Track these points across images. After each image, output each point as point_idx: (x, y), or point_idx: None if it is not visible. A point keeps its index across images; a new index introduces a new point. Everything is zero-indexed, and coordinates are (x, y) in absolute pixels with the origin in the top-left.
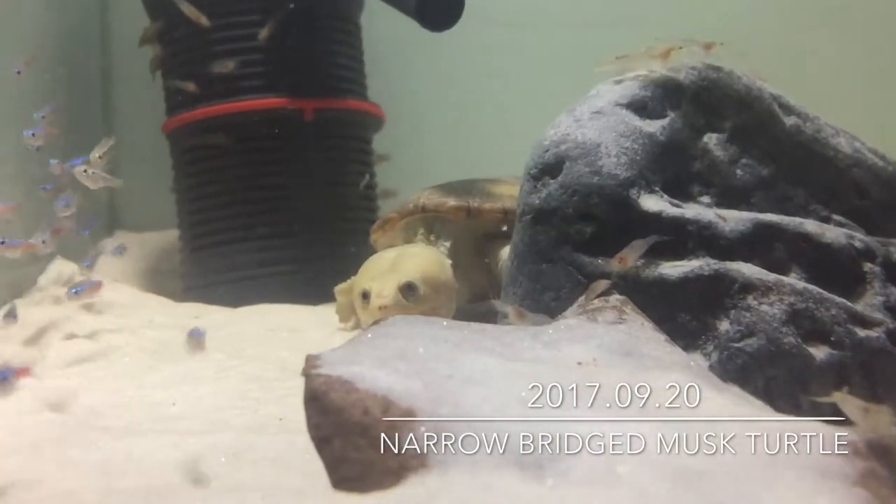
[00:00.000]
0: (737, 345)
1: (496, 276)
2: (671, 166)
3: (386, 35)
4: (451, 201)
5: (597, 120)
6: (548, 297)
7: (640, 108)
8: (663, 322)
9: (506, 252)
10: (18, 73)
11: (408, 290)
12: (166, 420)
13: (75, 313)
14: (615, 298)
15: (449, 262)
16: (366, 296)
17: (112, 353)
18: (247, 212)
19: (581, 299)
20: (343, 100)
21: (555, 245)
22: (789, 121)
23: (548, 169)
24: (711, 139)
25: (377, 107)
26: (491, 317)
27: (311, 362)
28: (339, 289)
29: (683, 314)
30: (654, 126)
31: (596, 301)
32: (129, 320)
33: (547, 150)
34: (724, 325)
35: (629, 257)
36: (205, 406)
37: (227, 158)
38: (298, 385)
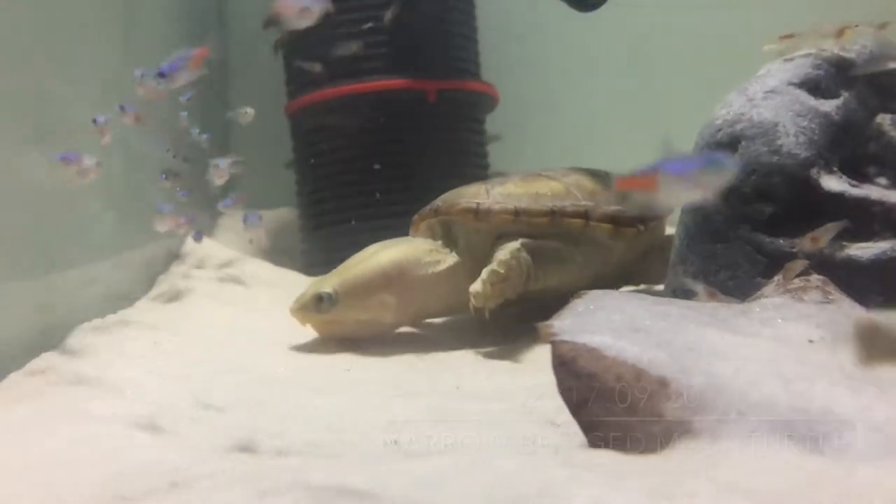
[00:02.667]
0: None
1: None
2: (847, 147)
3: (498, 14)
4: (462, 203)
5: (771, 99)
6: (724, 276)
7: (813, 87)
8: None
9: (503, 246)
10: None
11: (319, 300)
12: (349, 384)
13: (225, 283)
14: (816, 278)
15: (442, 267)
16: None
17: (269, 321)
18: (369, 190)
19: (777, 278)
20: (464, 81)
21: (731, 224)
22: None
23: (721, 148)
24: (885, 119)
25: (492, 87)
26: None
27: (547, 330)
28: None
29: (875, 295)
30: (828, 106)
31: (796, 280)
32: (275, 292)
33: (720, 130)
34: None
35: (823, 237)
36: (375, 374)
37: (351, 138)
38: (450, 357)
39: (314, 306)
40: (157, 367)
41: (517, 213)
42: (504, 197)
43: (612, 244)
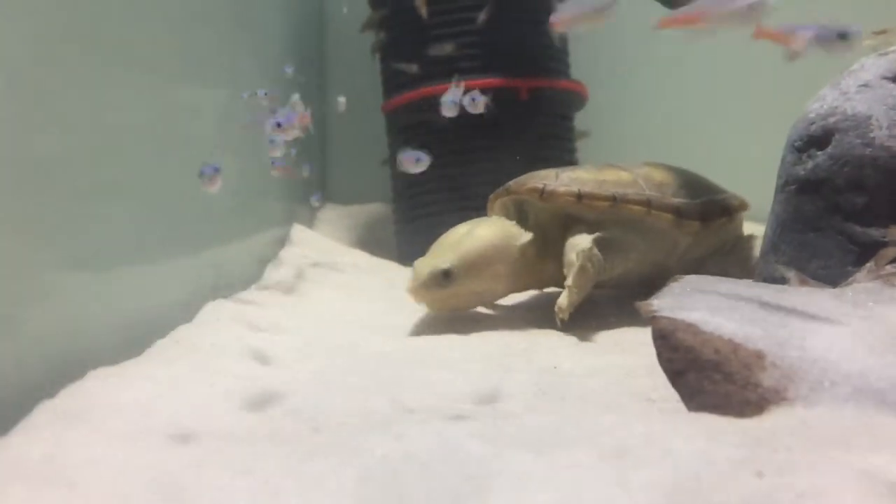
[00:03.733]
0: None
1: (568, 263)
2: None
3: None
4: (531, 183)
5: (864, 93)
6: (815, 266)
7: None
8: None
9: (575, 242)
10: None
11: (443, 277)
12: (454, 361)
13: (329, 269)
14: None
15: (522, 241)
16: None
17: (372, 305)
18: (463, 185)
19: (870, 265)
20: (555, 79)
21: (823, 215)
22: None
23: (814, 141)
24: None
25: (582, 85)
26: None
27: (647, 307)
28: None
29: None
30: None
31: (888, 267)
32: (374, 278)
33: (813, 123)
34: None
35: None
36: (477, 353)
37: (446, 134)
38: (543, 337)
39: (436, 282)
40: (278, 342)
41: (580, 196)
42: (570, 180)
43: (677, 236)
